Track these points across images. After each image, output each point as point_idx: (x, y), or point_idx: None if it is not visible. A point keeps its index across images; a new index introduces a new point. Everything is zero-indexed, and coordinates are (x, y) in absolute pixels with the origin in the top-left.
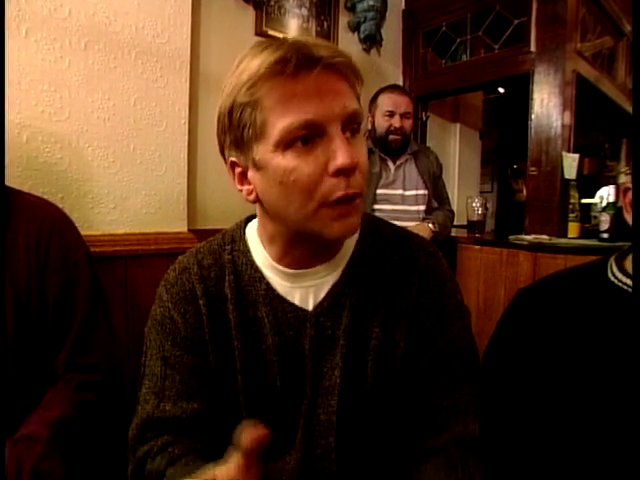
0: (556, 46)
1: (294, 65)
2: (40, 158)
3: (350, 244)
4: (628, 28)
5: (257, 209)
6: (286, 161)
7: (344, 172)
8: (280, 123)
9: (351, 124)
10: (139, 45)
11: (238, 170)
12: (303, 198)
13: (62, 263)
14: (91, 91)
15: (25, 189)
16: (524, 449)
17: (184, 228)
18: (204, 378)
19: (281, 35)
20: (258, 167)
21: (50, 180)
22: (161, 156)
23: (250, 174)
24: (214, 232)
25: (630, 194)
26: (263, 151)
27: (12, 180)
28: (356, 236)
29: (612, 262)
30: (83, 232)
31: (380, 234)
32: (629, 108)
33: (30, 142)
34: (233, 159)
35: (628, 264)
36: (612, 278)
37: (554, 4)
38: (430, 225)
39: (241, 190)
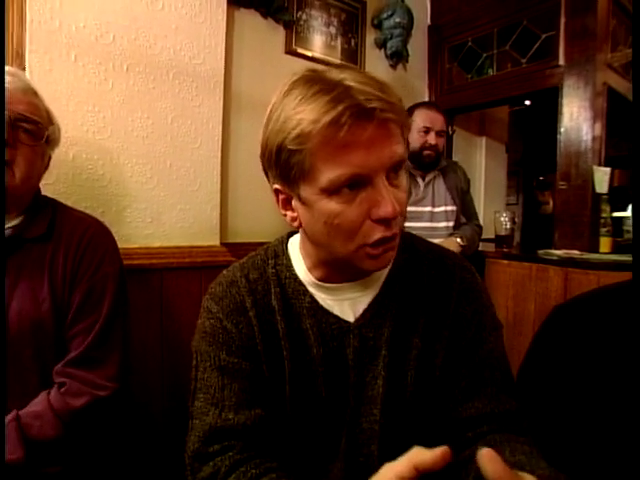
0: (586, 59)
1: (348, 124)
2: (84, 174)
3: None
4: None
5: (300, 232)
6: (331, 206)
7: (386, 221)
8: (328, 173)
9: (395, 168)
10: (176, 66)
11: (282, 197)
12: (345, 239)
13: (91, 275)
14: (131, 110)
15: (69, 204)
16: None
17: (217, 242)
18: (261, 385)
19: (310, 53)
20: (303, 202)
21: (92, 195)
22: (196, 172)
23: (295, 204)
24: (245, 246)
25: None
26: (309, 192)
27: (58, 196)
28: None
29: None
30: (121, 245)
31: (415, 249)
32: None
33: (75, 159)
34: (278, 187)
35: None
36: None
37: (583, 17)
38: (458, 240)
39: (285, 215)
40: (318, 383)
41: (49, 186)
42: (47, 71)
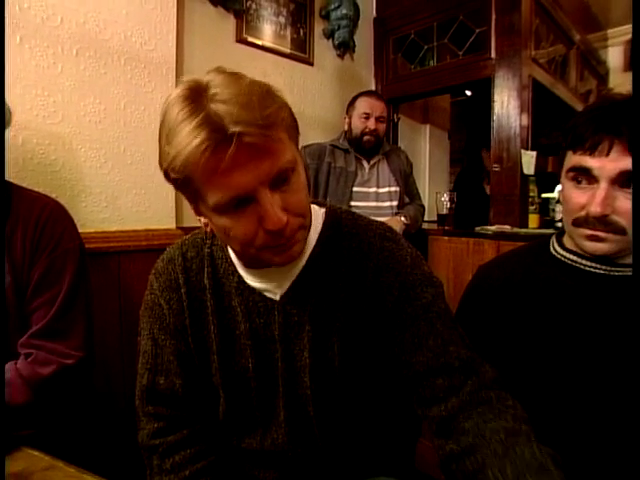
0: (513, 53)
1: (212, 147)
2: (35, 159)
3: (312, 239)
4: (577, 37)
5: None
6: (223, 221)
7: (275, 233)
8: (210, 197)
9: (281, 178)
10: (128, 52)
11: (193, 204)
12: (243, 246)
13: (51, 251)
14: (83, 95)
15: None
16: None
17: (173, 225)
18: (186, 359)
19: (260, 42)
20: (203, 215)
21: (45, 180)
22: (150, 157)
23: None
24: (201, 229)
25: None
26: (204, 209)
27: (9, 180)
28: (318, 230)
29: (553, 239)
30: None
31: (340, 226)
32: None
33: (25, 144)
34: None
35: (566, 240)
36: (553, 252)
37: (510, 15)
38: (402, 218)
39: (199, 219)
40: (246, 356)
41: None
42: None
